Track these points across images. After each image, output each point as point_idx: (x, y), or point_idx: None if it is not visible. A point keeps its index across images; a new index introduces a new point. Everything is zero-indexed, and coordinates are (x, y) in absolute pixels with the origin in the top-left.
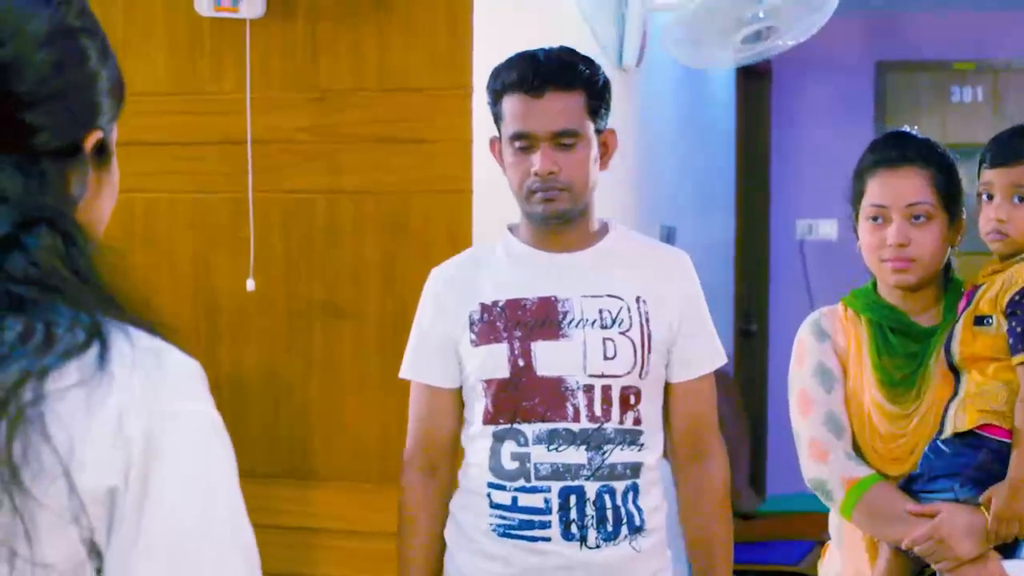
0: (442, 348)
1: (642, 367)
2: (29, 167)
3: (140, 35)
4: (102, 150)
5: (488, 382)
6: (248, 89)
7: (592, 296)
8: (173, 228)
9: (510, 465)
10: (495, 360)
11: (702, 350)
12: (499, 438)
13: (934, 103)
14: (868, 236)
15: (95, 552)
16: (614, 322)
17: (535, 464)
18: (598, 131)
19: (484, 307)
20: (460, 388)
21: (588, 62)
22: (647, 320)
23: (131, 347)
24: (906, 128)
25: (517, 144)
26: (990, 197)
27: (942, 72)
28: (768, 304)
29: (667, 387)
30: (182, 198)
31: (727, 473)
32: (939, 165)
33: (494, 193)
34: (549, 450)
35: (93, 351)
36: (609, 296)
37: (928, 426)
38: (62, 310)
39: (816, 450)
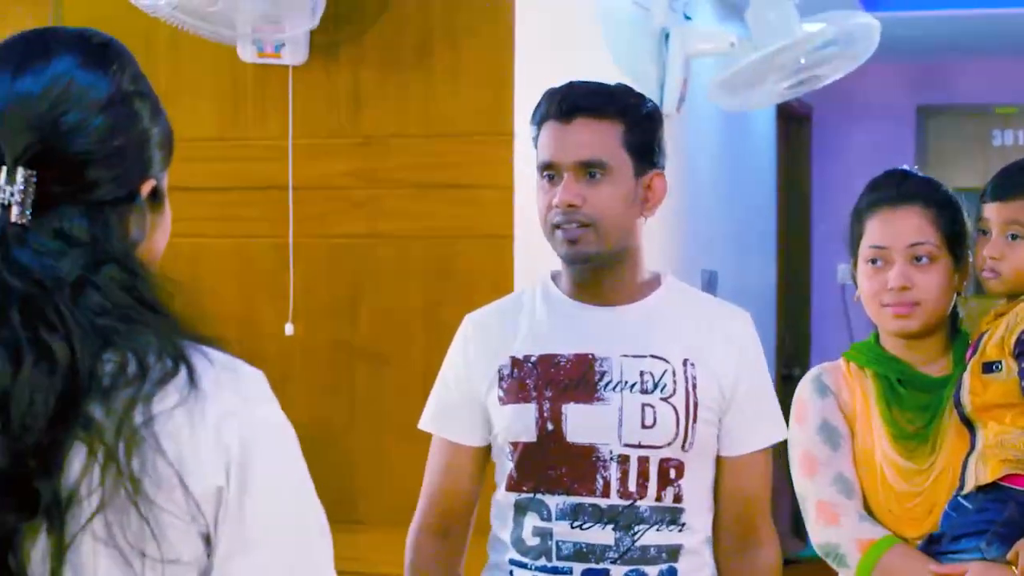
0: (468, 401)
1: (685, 438)
2: (94, 215)
3: (185, 82)
4: (155, 195)
5: (515, 445)
6: (290, 135)
7: (634, 356)
8: (216, 273)
9: (531, 541)
10: (523, 422)
11: (758, 423)
12: (521, 508)
13: (975, 147)
14: (867, 280)
15: (209, 542)
16: (656, 386)
17: (557, 542)
18: (641, 170)
19: (515, 362)
20: (485, 447)
21: (631, 93)
22: (694, 386)
23: (211, 365)
24: (906, 167)
25: (544, 174)
26: (985, 233)
27: (983, 116)
28: (810, 348)
29: (717, 461)
30: (225, 243)
31: (777, 563)
32: (942, 204)
33: (536, 239)
34: (573, 527)
35: (183, 374)
36: (653, 357)
37: (946, 483)
38: (141, 340)
39: (825, 513)
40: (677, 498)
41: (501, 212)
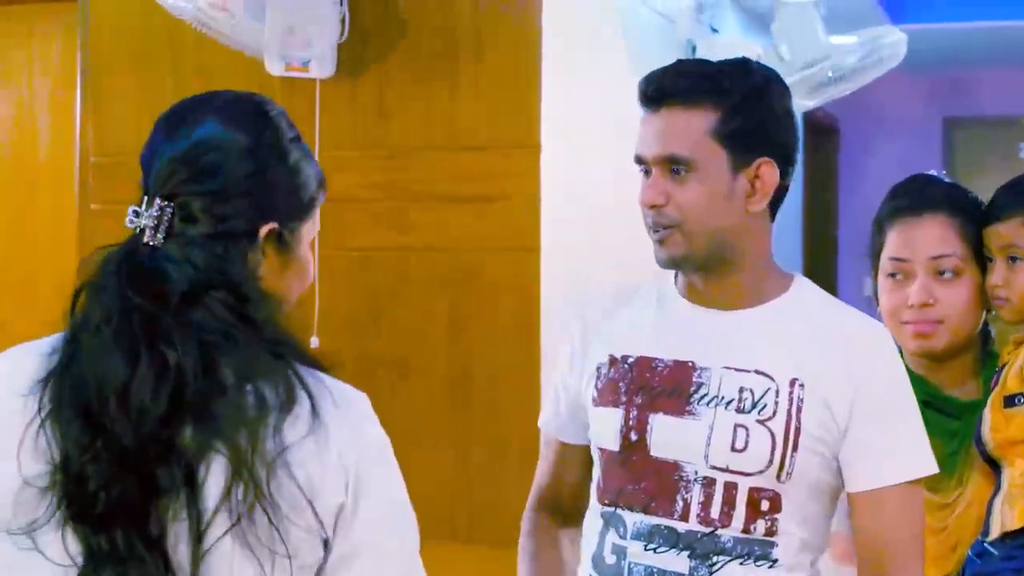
0: (569, 396)
1: (781, 467)
2: (214, 246)
3: None
4: (280, 240)
5: (602, 451)
6: (317, 147)
7: (736, 369)
8: None
9: (609, 559)
10: (609, 427)
11: (885, 454)
12: (605, 521)
13: (1001, 159)
14: (887, 295)
15: (327, 546)
16: (754, 406)
17: (630, 563)
18: (741, 162)
19: (612, 360)
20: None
21: (735, 72)
22: (799, 409)
23: (328, 393)
24: (932, 172)
25: (640, 169)
26: (991, 259)
27: (1009, 128)
28: None
29: (849, 498)
30: None
31: None
32: (969, 213)
33: (563, 251)
34: (647, 549)
35: (306, 404)
36: (757, 373)
37: (972, 519)
38: (244, 355)
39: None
40: (769, 532)
41: (528, 223)
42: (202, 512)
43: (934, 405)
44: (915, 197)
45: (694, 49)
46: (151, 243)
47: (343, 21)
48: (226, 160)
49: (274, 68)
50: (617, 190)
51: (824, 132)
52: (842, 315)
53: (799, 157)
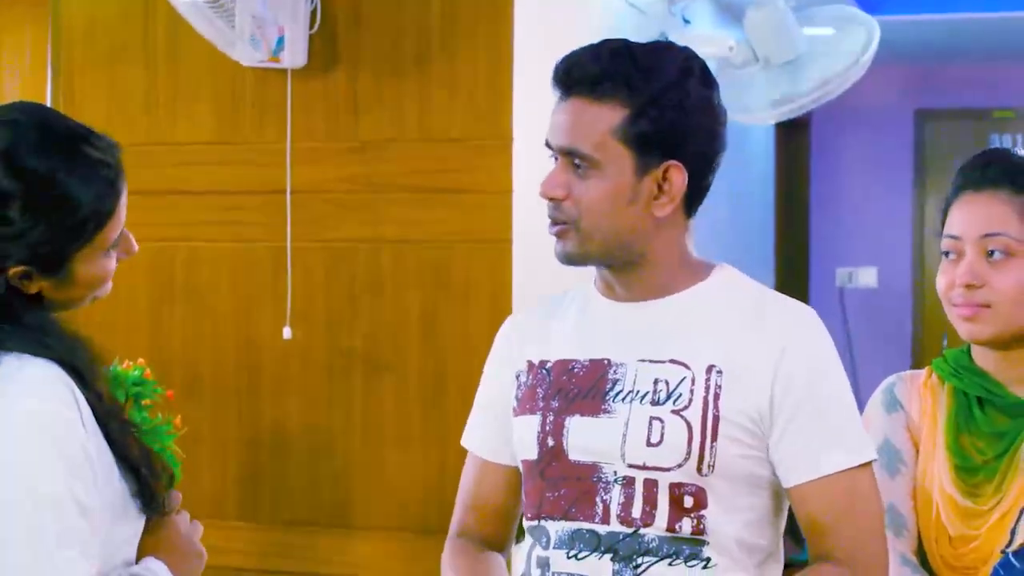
0: (494, 411)
1: (701, 459)
2: None
3: (184, 86)
4: (30, 276)
5: (524, 463)
6: (289, 139)
7: (651, 361)
8: (214, 277)
9: (534, 573)
10: (528, 436)
11: (821, 443)
12: (532, 536)
13: (974, 151)
14: (940, 275)
15: None
16: (668, 397)
17: (554, 573)
18: (647, 164)
19: (531, 367)
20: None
21: (650, 64)
22: (715, 397)
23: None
24: (1008, 147)
25: (548, 154)
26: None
27: (981, 120)
28: None
29: (788, 495)
30: (223, 247)
31: None
32: None
33: (536, 244)
34: (568, 557)
35: None
36: (672, 362)
37: (1005, 529)
38: None
39: None
40: (697, 531)
41: (499, 217)
42: None
43: (991, 402)
44: (977, 173)
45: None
46: None
47: (314, 12)
48: None
49: (246, 58)
50: None
51: (795, 123)
52: (764, 298)
53: (721, 154)
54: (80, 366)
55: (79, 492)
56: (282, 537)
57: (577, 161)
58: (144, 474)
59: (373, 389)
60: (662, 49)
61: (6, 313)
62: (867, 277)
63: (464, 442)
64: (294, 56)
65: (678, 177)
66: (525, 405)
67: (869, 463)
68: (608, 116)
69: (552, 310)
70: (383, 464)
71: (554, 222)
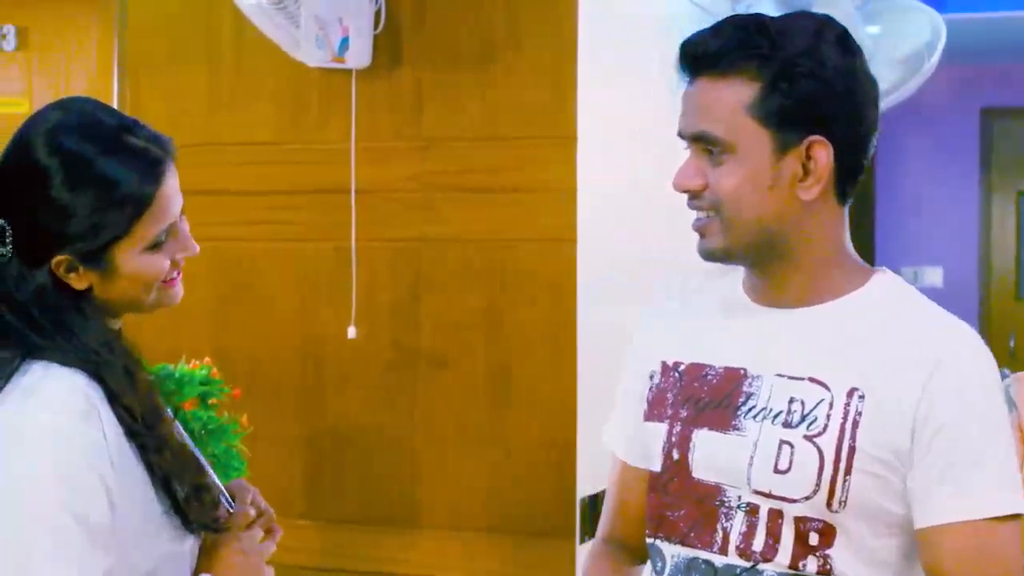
0: (631, 412)
1: (831, 493)
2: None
3: (248, 86)
4: (75, 266)
5: (650, 472)
6: (353, 139)
7: (789, 377)
8: (277, 276)
9: None
10: (654, 446)
11: (955, 481)
12: (652, 553)
13: None
14: None
15: None
16: (803, 420)
17: None
18: (787, 142)
19: (664, 368)
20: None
21: (785, 30)
22: (854, 425)
23: (19, 387)
24: None
25: (683, 146)
26: None
27: None
28: None
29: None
30: (287, 247)
31: None
32: None
33: (598, 242)
34: None
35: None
36: (811, 380)
37: None
38: None
39: None
40: (824, 571)
41: (563, 215)
42: None
43: None
44: None
45: None
46: None
47: (379, 12)
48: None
49: (310, 58)
50: (653, 181)
51: None
52: (924, 316)
53: (874, 131)
54: (112, 378)
55: (80, 507)
56: (345, 535)
57: (710, 147)
58: (180, 490)
59: (436, 388)
60: (793, 16)
61: (47, 312)
62: (933, 276)
63: (606, 442)
64: (358, 56)
65: (823, 154)
66: (654, 411)
67: (1015, 517)
68: (737, 92)
69: (687, 307)
70: (445, 463)
71: (696, 213)
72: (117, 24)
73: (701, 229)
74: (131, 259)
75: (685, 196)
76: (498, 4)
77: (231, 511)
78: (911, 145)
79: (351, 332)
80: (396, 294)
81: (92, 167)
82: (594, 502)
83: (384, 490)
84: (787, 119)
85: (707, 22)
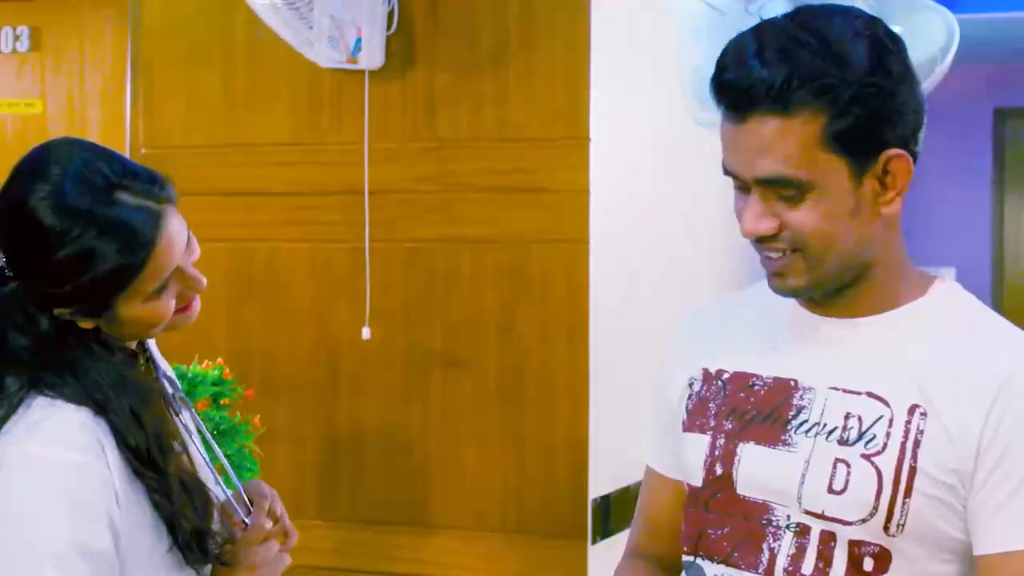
0: (666, 422)
1: (889, 516)
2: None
3: (262, 86)
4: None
5: (688, 487)
6: (366, 139)
7: (844, 391)
8: (292, 277)
9: None
10: (695, 460)
11: (1021, 512)
12: (691, 571)
13: None
14: None
15: None
16: (860, 437)
17: None
18: (864, 164)
19: (706, 375)
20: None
21: (839, 48)
22: (915, 444)
23: (24, 420)
24: None
25: (732, 180)
26: None
27: None
28: None
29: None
30: (300, 247)
31: None
32: None
33: (612, 243)
34: None
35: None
36: (870, 395)
37: None
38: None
39: None
40: None
41: (577, 216)
42: None
43: None
44: None
45: None
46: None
47: (391, 12)
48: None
49: (323, 60)
50: (667, 182)
51: None
52: (990, 330)
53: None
54: (117, 418)
55: (86, 539)
56: (359, 536)
57: (785, 192)
58: (180, 535)
59: (451, 388)
60: (839, 27)
61: (52, 350)
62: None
63: (640, 453)
64: (371, 57)
65: (901, 165)
66: (695, 421)
67: None
68: (807, 126)
69: (731, 310)
70: (460, 463)
71: (771, 254)
72: (131, 25)
73: (781, 270)
74: (133, 309)
75: (697, 198)
76: (511, 5)
77: (247, 523)
78: (923, 145)
79: (365, 333)
80: (410, 295)
81: (81, 240)
82: (606, 503)
83: (398, 490)
84: (862, 142)
85: (720, 23)
